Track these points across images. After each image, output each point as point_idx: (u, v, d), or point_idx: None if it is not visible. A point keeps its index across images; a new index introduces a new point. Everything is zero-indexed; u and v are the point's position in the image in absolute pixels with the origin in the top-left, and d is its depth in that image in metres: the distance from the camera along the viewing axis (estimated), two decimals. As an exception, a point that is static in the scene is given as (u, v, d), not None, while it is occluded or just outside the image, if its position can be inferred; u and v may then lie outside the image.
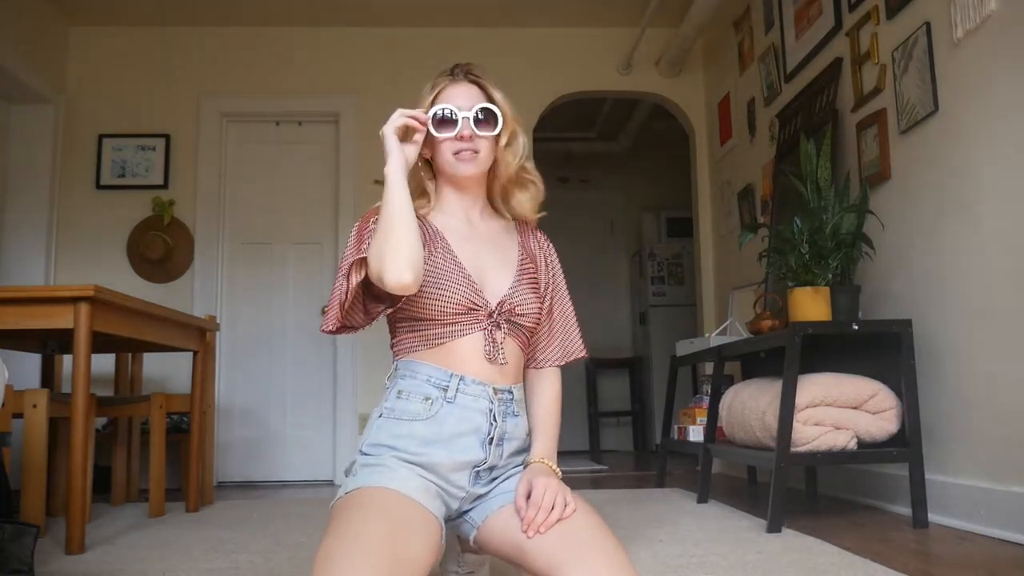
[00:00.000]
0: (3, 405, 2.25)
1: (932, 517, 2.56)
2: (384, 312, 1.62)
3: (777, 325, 3.01)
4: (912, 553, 2.13)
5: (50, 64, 4.63)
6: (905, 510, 2.74)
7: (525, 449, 1.63)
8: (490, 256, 1.63)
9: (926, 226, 2.73)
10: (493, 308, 1.58)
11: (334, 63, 4.90)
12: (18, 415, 2.65)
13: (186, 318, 3.19)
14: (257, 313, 4.76)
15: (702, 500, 3.18)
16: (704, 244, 4.96)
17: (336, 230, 4.77)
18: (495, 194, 1.70)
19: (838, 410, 2.63)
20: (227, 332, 4.69)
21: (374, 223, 1.56)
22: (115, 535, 2.67)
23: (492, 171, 1.66)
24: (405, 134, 1.60)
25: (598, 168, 7.43)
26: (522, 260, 1.66)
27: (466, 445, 1.53)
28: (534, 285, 1.65)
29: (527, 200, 1.70)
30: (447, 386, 1.56)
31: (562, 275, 1.78)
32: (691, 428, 3.69)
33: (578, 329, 1.80)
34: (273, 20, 4.82)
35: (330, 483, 4.57)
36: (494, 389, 1.56)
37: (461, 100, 1.62)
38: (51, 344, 3.28)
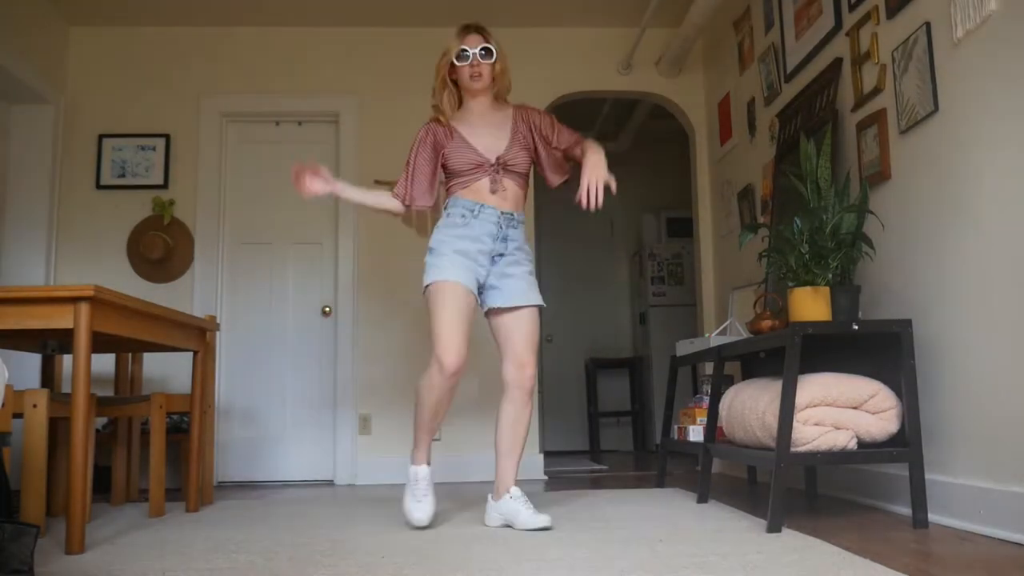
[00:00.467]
0: (3, 405, 2.24)
1: (932, 517, 2.56)
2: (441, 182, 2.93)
3: (777, 325, 3.01)
4: (912, 553, 2.13)
5: (50, 64, 4.63)
6: (905, 510, 2.74)
7: (521, 248, 2.85)
8: (492, 134, 2.85)
9: (926, 226, 2.74)
10: (493, 162, 2.81)
11: (334, 63, 4.90)
12: (18, 415, 2.65)
13: (186, 318, 3.19)
14: (257, 313, 4.77)
15: (702, 500, 3.18)
16: (704, 244, 4.96)
17: (336, 230, 4.77)
18: (498, 94, 2.93)
19: (838, 410, 2.63)
20: (227, 332, 4.69)
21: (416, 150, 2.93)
22: (115, 535, 2.67)
23: (493, 82, 2.89)
24: (307, 183, 2.86)
25: (598, 168, 7.41)
26: (513, 132, 2.87)
27: (486, 240, 2.78)
28: (523, 145, 2.87)
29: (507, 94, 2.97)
30: (473, 209, 2.79)
31: (546, 114, 2.96)
32: (691, 428, 3.69)
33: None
34: (273, 20, 4.82)
35: (330, 483, 4.57)
36: (500, 212, 2.80)
37: (471, 44, 2.84)
38: (51, 344, 3.28)
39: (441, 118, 2.86)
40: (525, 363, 2.77)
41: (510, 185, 2.81)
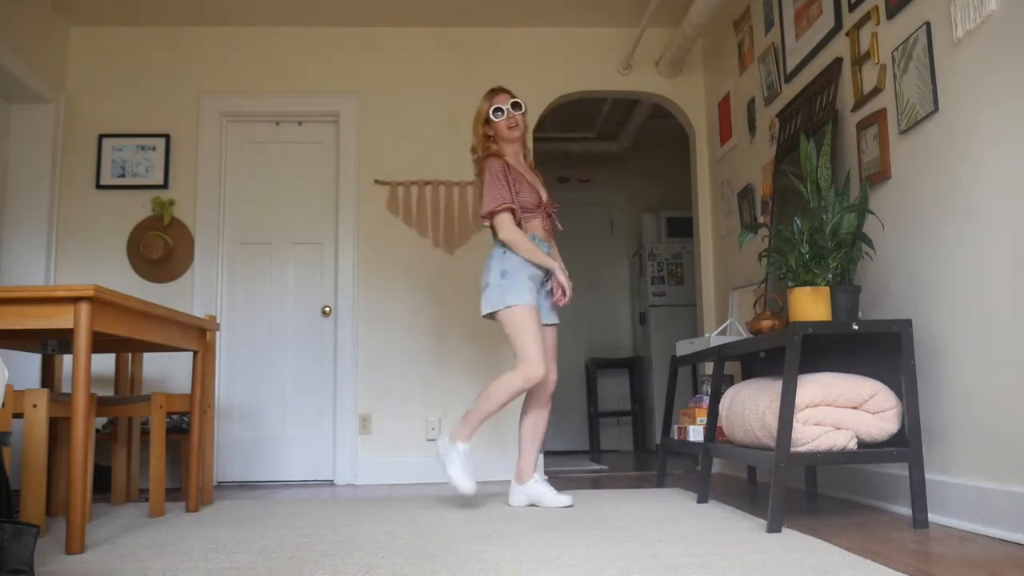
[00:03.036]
0: (3, 405, 2.24)
1: (932, 517, 2.56)
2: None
3: (777, 325, 3.01)
4: (912, 553, 2.13)
5: (50, 64, 4.63)
6: (905, 510, 2.74)
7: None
8: (535, 182, 3.36)
9: (926, 226, 2.74)
10: (546, 203, 3.34)
11: (334, 63, 4.90)
12: (18, 415, 2.65)
13: (186, 318, 3.19)
14: (257, 313, 4.77)
15: (702, 500, 3.18)
16: (704, 244, 4.97)
17: (336, 230, 4.77)
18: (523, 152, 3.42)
19: (838, 410, 2.63)
20: (227, 332, 4.69)
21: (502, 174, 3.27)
22: (115, 535, 2.67)
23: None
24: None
25: (598, 168, 7.43)
26: (543, 183, 3.40)
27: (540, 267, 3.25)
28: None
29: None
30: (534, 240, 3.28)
31: None
32: (691, 428, 3.68)
33: None
34: (273, 20, 4.82)
35: (330, 483, 4.57)
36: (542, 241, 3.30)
37: (503, 101, 3.32)
38: (51, 344, 3.28)
39: (498, 153, 3.30)
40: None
41: (548, 224, 3.38)
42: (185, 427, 4.31)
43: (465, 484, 3.06)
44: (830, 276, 2.77)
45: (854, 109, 3.17)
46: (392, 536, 2.53)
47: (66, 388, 4.16)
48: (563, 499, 3.11)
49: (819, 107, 3.38)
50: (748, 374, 3.64)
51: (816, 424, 2.61)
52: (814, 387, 2.63)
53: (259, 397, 4.71)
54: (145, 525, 2.91)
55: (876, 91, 3.00)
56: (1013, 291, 2.32)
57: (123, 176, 4.73)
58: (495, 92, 3.34)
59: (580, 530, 2.56)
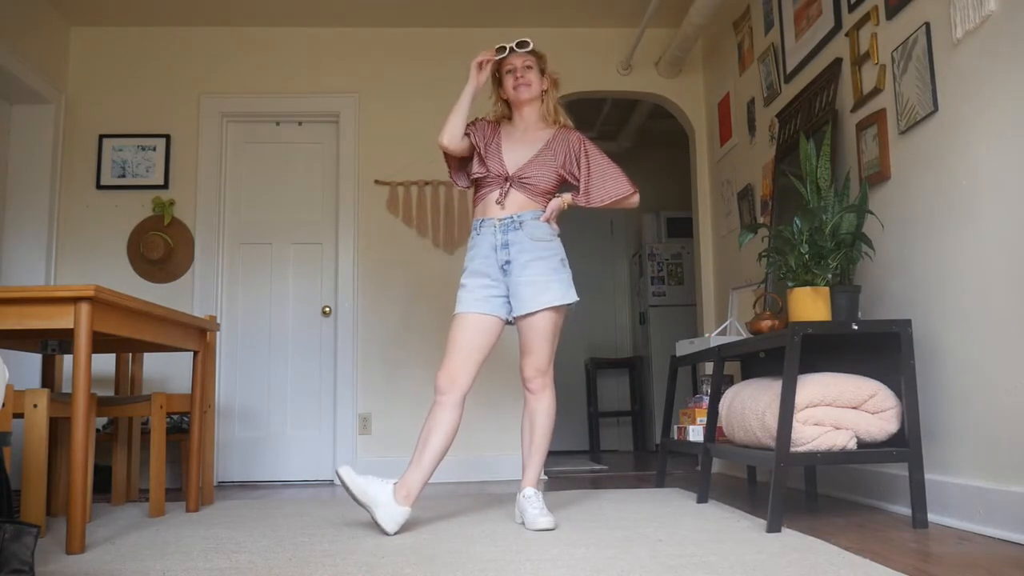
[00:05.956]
0: (3, 405, 2.25)
1: (932, 517, 2.56)
2: (466, 185, 3.05)
3: (777, 325, 3.01)
4: (912, 553, 2.13)
5: (50, 64, 4.63)
6: (905, 510, 2.74)
7: (527, 250, 2.78)
8: (523, 150, 2.88)
9: (926, 226, 2.74)
10: (508, 175, 2.84)
11: (334, 63, 4.90)
12: (18, 415, 2.65)
13: (186, 318, 3.19)
14: (257, 313, 4.77)
15: (702, 500, 3.18)
16: (704, 244, 4.97)
17: (336, 230, 4.77)
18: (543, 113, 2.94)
19: (838, 410, 2.63)
20: (227, 332, 4.69)
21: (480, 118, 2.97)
22: (115, 535, 2.67)
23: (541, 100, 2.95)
24: (479, 68, 2.85)
25: (598, 168, 7.42)
26: (541, 151, 2.87)
27: (489, 255, 2.81)
28: (545, 165, 2.85)
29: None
30: (477, 227, 2.87)
31: (592, 147, 2.92)
32: (691, 428, 3.69)
33: (619, 176, 2.99)
34: (273, 20, 4.82)
35: (330, 483, 4.57)
36: (498, 219, 2.82)
37: (516, 60, 2.93)
38: (51, 344, 3.28)
39: (489, 117, 2.98)
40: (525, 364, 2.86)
41: (519, 197, 2.83)
42: (185, 427, 4.31)
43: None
44: (830, 276, 2.77)
45: (854, 109, 3.17)
46: (392, 536, 2.53)
47: (66, 388, 4.16)
48: (542, 521, 2.60)
49: (819, 107, 3.38)
50: (748, 374, 3.64)
51: (816, 424, 2.62)
52: (814, 387, 2.63)
53: (259, 397, 4.71)
54: (145, 525, 2.91)
55: (876, 91, 3.01)
56: (1013, 291, 2.33)
57: (123, 176, 4.73)
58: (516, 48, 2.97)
59: (580, 530, 2.56)
